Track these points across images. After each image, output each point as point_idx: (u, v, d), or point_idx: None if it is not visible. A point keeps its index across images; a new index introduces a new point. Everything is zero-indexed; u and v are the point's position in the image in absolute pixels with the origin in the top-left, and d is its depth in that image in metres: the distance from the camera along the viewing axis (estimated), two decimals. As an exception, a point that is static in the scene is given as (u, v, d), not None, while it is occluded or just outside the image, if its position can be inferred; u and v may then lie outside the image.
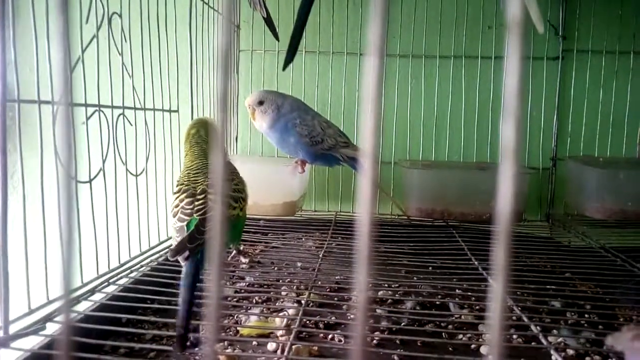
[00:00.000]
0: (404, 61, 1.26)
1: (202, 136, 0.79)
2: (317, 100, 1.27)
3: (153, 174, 0.84)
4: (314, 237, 1.09)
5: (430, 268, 0.88)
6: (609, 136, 1.24)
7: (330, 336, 0.61)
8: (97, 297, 0.62)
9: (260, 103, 1.02)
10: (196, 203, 0.71)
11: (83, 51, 0.63)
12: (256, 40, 1.26)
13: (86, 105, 0.64)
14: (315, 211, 1.29)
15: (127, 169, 0.74)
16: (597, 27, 1.22)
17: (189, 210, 0.70)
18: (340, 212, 1.27)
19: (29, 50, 0.54)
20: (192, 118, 0.95)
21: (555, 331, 0.64)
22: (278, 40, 1.07)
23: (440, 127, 1.27)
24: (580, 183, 1.10)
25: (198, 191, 0.73)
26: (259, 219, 1.10)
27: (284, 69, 0.93)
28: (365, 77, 0.22)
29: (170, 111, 0.90)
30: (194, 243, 0.61)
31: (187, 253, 0.60)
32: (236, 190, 0.76)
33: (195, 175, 0.76)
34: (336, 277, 0.82)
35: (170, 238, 0.91)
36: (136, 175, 0.77)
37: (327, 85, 1.28)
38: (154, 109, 0.84)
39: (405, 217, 1.14)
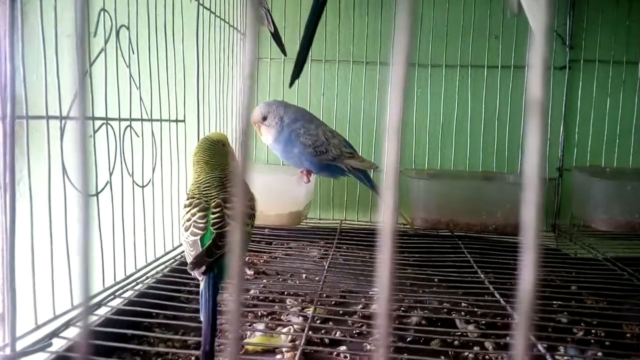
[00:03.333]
0: (411, 70, 1.26)
1: (212, 151, 0.79)
2: (322, 109, 1.27)
3: (159, 184, 0.84)
4: (318, 246, 1.09)
5: (436, 280, 0.88)
6: (616, 146, 1.23)
7: (335, 353, 0.60)
8: (103, 311, 0.62)
9: (264, 118, 1.02)
10: (212, 217, 0.71)
11: (91, 65, 0.63)
12: (263, 48, 1.27)
13: (93, 118, 0.64)
14: (320, 219, 1.29)
15: (133, 181, 0.74)
16: (604, 37, 1.22)
17: (202, 224, 0.70)
18: (345, 220, 1.27)
19: (37, 63, 0.55)
20: (198, 127, 0.95)
21: (561, 349, 0.63)
22: (285, 55, 1.07)
23: (446, 136, 1.27)
24: (586, 194, 1.09)
25: (212, 205, 0.73)
26: (264, 227, 1.10)
27: (290, 85, 0.92)
28: (391, 87, 0.21)
29: (177, 121, 0.90)
30: (212, 257, 0.61)
31: (204, 267, 0.60)
32: (249, 206, 0.76)
33: (206, 188, 0.76)
34: (341, 289, 0.82)
35: (176, 248, 0.92)
36: (142, 187, 0.77)
37: (333, 94, 1.28)
38: (160, 120, 0.84)
39: (411, 227, 1.14)
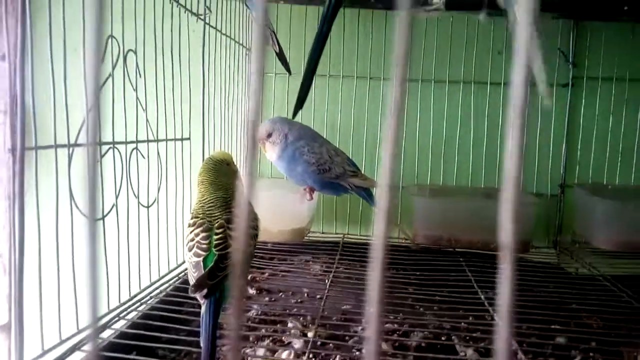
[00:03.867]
0: (414, 86, 1.27)
1: (216, 170, 0.80)
2: (326, 124, 1.28)
3: (164, 203, 0.85)
4: (321, 261, 1.10)
5: (436, 297, 0.89)
6: (618, 163, 1.24)
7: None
8: (107, 333, 0.63)
9: (269, 135, 1.03)
10: (214, 237, 0.73)
11: (99, 88, 0.65)
12: (268, 63, 1.28)
13: (101, 143, 0.66)
14: (323, 233, 1.30)
15: (139, 202, 0.76)
16: (607, 55, 1.23)
17: (205, 246, 0.71)
18: (348, 234, 1.28)
19: (45, 85, 0.56)
20: (203, 144, 0.96)
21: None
22: (290, 74, 1.08)
23: (449, 151, 1.28)
24: (588, 213, 1.10)
25: (215, 225, 0.75)
26: (267, 242, 1.11)
27: (293, 117, 0.93)
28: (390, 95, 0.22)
29: (182, 139, 0.92)
30: (214, 279, 0.62)
31: (206, 290, 0.61)
32: (252, 227, 0.77)
33: (210, 208, 0.77)
34: (342, 309, 0.83)
35: (179, 266, 0.93)
36: (148, 207, 0.79)
37: (337, 109, 1.29)
38: (166, 140, 0.85)
39: (412, 243, 1.15)
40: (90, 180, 0.23)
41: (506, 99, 1.25)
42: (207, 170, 0.81)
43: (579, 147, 1.25)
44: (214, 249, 0.73)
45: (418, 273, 0.99)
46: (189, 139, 0.94)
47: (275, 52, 0.97)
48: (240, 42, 1.18)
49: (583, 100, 1.24)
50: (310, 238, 1.23)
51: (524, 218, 1.09)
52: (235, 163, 0.83)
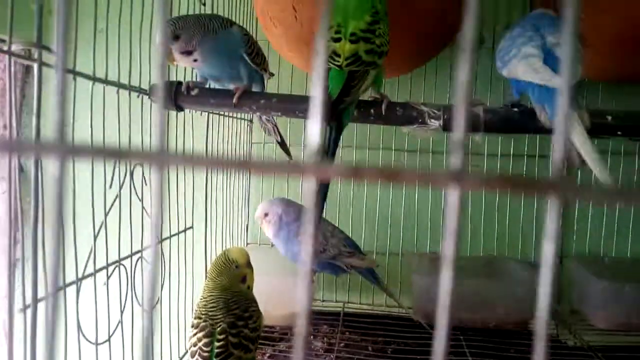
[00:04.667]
0: (398, 153, 1.29)
1: (224, 269, 0.81)
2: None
3: (167, 301, 0.86)
4: (322, 334, 1.11)
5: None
6: (615, 235, 1.25)
7: None
8: None
9: (266, 215, 1.06)
10: (216, 344, 0.74)
11: (106, 215, 0.66)
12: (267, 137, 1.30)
13: (107, 265, 0.67)
14: (323, 301, 1.31)
15: (143, 309, 0.77)
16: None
17: (206, 354, 0.73)
18: (348, 302, 1.29)
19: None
20: (206, 234, 0.98)
21: None
22: (291, 159, 1.10)
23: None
24: (585, 291, 1.11)
25: (217, 330, 0.76)
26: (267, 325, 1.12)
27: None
28: None
29: (185, 230, 0.93)
30: None
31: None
32: (253, 328, 0.78)
33: (212, 309, 0.78)
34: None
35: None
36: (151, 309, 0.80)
37: (337, 180, 1.30)
38: (169, 236, 0.87)
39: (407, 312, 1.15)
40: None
41: (501, 170, 1.27)
42: (215, 265, 0.82)
43: (575, 218, 1.27)
44: (215, 359, 0.74)
45: (419, 357, 1.00)
46: (191, 227, 0.96)
47: (277, 141, 0.99)
48: (241, 116, 1.21)
49: (579, 173, 1.26)
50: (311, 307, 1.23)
51: (522, 298, 1.10)
52: (248, 265, 0.84)
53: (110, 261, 0.68)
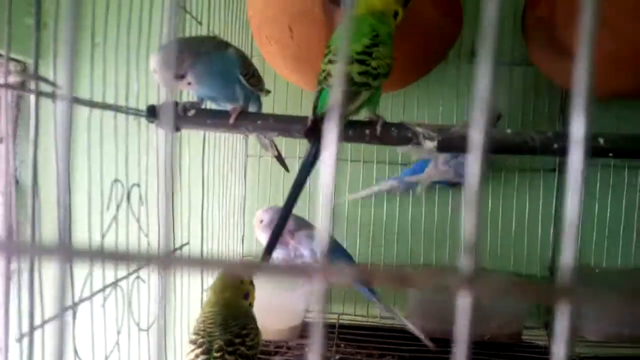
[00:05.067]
0: (395, 167, 1.30)
1: (227, 284, 0.82)
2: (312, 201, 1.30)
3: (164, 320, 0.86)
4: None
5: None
6: (605, 246, 1.27)
7: None
8: None
9: (261, 221, 1.06)
10: None
11: (103, 237, 0.67)
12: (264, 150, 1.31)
13: (104, 287, 0.67)
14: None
15: (139, 328, 0.77)
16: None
17: (203, 373, 0.73)
18: (344, 313, 1.30)
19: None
20: (202, 251, 0.98)
21: None
22: (288, 172, 1.11)
23: (441, 231, 1.31)
24: (577, 302, 1.13)
25: (215, 347, 0.76)
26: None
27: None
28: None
29: (181, 247, 0.93)
30: None
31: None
32: (250, 346, 0.78)
33: (210, 325, 0.79)
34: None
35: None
36: (147, 330, 0.80)
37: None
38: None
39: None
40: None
41: (496, 188, 1.29)
42: (220, 280, 0.82)
43: (566, 230, 1.28)
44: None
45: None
46: (188, 243, 0.96)
47: (274, 155, 1.00)
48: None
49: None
50: (306, 319, 1.24)
51: (515, 311, 1.12)
52: (251, 282, 0.84)
53: (107, 282, 0.68)
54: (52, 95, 0.52)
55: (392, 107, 1.28)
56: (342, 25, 0.74)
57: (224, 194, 1.16)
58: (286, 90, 1.27)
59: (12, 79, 0.48)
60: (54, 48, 0.57)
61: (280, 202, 1.31)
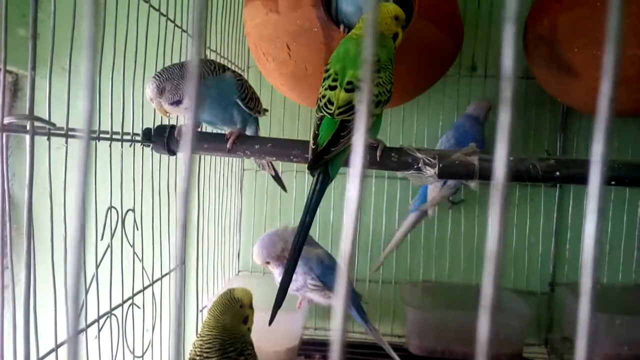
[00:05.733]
0: (404, 183, 1.29)
1: (226, 308, 0.80)
2: (319, 220, 1.29)
3: (159, 343, 0.85)
4: (315, 365, 1.10)
5: None
6: (606, 262, 1.26)
7: None
8: None
9: (267, 262, 1.04)
10: None
11: (97, 266, 0.65)
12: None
13: (99, 318, 0.66)
14: (315, 329, 1.30)
15: (134, 356, 0.75)
16: (593, 155, 1.25)
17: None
18: (331, 329, 1.28)
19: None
20: (197, 273, 0.97)
21: None
22: (285, 191, 1.10)
23: (441, 248, 1.29)
24: (576, 320, 1.11)
25: None
26: None
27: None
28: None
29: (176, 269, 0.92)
30: None
31: None
32: None
33: (208, 350, 0.77)
34: None
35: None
36: (142, 356, 0.78)
37: (330, 204, 1.30)
38: (161, 277, 0.85)
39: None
40: None
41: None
42: (218, 303, 0.81)
43: (567, 246, 1.27)
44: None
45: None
46: (183, 264, 0.94)
47: (272, 175, 0.99)
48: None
49: (571, 202, 1.27)
50: (303, 337, 1.23)
51: (516, 329, 1.10)
52: (250, 306, 0.82)
53: (102, 311, 0.67)
54: (48, 134, 0.50)
55: (391, 119, 1.27)
56: (341, 46, 0.73)
57: (220, 209, 1.15)
58: (283, 103, 1.26)
59: (7, 120, 0.46)
60: (50, 60, 0.56)
61: (277, 214, 1.30)
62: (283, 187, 1.03)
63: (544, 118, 1.27)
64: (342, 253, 0.26)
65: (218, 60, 1.07)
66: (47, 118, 0.56)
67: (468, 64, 1.28)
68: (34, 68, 0.46)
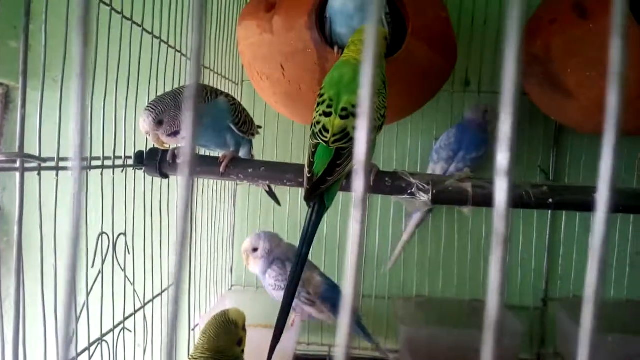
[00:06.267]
0: (398, 204, 1.29)
1: (221, 329, 0.80)
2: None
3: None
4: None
5: None
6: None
7: None
8: None
9: (255, 250, 1.04)
10: None
11: (88, 294, 0.64)
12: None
13: (89, 345, 0.65)
14: (308, 344, 1.29)
15: (126, 381, 0.75)
16: (586, 172, 1.26)
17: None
18: (335, 345, 1.28)
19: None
20: (189, 291, 0.96)
21: None
22: (280, 205, 1.09)
23: (435, 263, 1.29)
24: (568, 337, 1.12)
25: None
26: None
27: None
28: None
29: (168, 289, 0.91)
30: None
31: None
32: None
33: None
34: None
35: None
36: (134, 380, 0.78)
37: (324, 220, 1.29)
38: (152, 299, 0.85)
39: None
40: None
41: (488, 219, 1.28)
42: (212, 324, 0.80)
43: (559, 263, 1.28)
44: None
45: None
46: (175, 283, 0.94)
47: (266, 190, 0.98)
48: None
49: (564, 217, 1.27)
50: (296, 352, 1.22)
51: (509, 346, 1.10)
52: (244, 327, 0.82)
53: (92, 337, 0.66)
54: (39, 169, 0.50)
55: (385, 135, 1.27)
56: (335, 70, 0.72)
57: (213, 224, 1.14)
58: (277, 119, 1.25)
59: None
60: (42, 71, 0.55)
61: (271, 228, 1.29)
62: (277, 202, 1.03)
63: (537, 134, 1.27)
64: (348, 271, 0.24)
65: (212, 75, 1.07)
66: (37, 144, 0.55)
67: (461, 79, 1.29)
68: (24, 106, 0.45)
